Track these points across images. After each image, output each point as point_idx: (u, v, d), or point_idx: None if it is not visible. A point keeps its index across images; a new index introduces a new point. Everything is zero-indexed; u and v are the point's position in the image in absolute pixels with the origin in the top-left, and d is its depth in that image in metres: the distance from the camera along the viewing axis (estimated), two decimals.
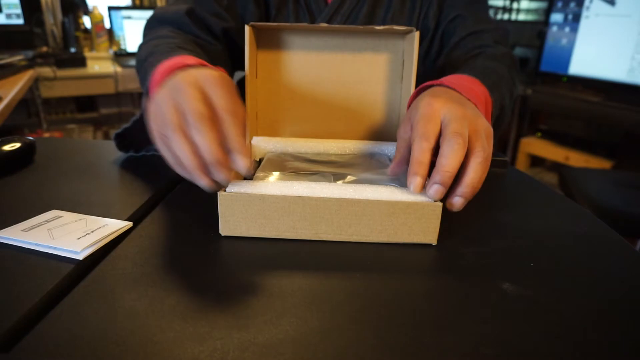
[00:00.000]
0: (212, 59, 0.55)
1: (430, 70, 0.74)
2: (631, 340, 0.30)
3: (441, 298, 0.34)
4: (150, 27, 0.70)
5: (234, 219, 0.40)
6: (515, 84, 0.66)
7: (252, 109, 0.56)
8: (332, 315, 0.31)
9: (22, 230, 0.40)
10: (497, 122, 0.59)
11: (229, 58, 0.73)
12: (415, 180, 0.39)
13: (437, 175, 0.38)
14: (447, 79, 0.50)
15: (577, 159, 2.22)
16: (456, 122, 0.40)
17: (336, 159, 0.53)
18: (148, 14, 0.74)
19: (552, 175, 2.42)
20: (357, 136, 0.59)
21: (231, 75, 0.73)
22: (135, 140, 0.60)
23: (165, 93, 0.39)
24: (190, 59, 0.47)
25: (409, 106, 0.49)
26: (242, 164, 0.36)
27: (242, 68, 0.56)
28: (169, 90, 0.39)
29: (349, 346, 0.29)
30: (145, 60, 0.57)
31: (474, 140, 0.40)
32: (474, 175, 0.39)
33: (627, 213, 1.28)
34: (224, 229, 0.41)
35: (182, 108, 0.36)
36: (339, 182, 0.44)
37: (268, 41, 0.57)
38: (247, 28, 0.51)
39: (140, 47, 0.64)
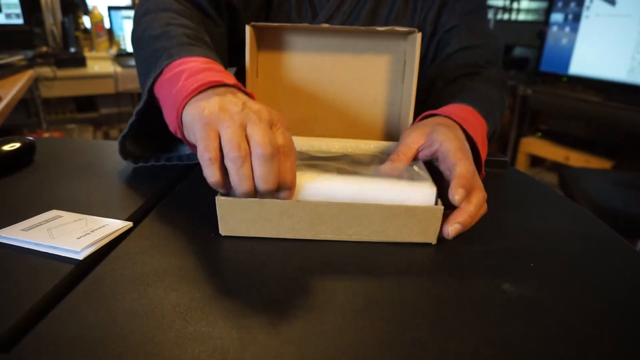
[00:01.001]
0: (215, 44, 0.54)
1: (421, 76, 0.74)
2: (631, 340, 0.30)
3: (441, 298, 0.34)
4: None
5: (234, 220, 0.40)
6: (505, 103, 0.68)
7: None
8: (332, 315, 0.31)
9: (21, 230, 0.40)
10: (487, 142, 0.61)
11: (228, 43, 0.69)
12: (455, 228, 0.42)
13: (460, 217, 0.41)
14: (454, 112, 0.52)
15: (577, 159, 2.22)
16: (475, 176, 0.44)
17: (338, 155, 0.53)
18: None
19: (552, 175, 2.42)
20: (357, 136, 0.59)
21: (226, 60, 0.70)
22: (139, 146, 0.57)
23: (222, 101, 0.40)
24: (226, 77, 0.46)
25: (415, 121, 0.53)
26: (284, 196, 0.40)
27: (240, 51, 0.54)
28: (226, 100, 0.40)
29: (349, 346, 0.29)
30: (156, 39, 0.52)
31: (476, 183, 0.44)
32: (475, 209, 0.42)
33: (627, 213, 1.28)
34: (224, 230, 0.41)
35: (251, 130, 0.38)
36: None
37: (269, 41, 0.57)
38: (248, 28, 0.51)
39: (145, 13, 0.57)
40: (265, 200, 0.39)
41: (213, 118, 0.39)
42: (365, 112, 0.59)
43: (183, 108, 0.43)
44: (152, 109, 0.51)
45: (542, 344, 0.29)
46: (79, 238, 0.39)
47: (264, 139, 0.37)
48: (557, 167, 2.24)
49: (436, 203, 0.41)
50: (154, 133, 0.57)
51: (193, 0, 0.62)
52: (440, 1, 0.72)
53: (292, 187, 0.39)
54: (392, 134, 0.59)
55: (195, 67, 0.46)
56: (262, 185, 0.37)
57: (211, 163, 0.38)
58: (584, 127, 2.32)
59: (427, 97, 0.69)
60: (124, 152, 0.55)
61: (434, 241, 0.41)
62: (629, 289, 0.36)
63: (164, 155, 0.59)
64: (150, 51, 0.52)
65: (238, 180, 0.38)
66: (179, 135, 0.46)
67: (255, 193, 0.39)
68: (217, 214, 0.40)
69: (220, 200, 0.39)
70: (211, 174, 0.38)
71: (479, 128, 0.53)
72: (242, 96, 0.42)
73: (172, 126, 0.46)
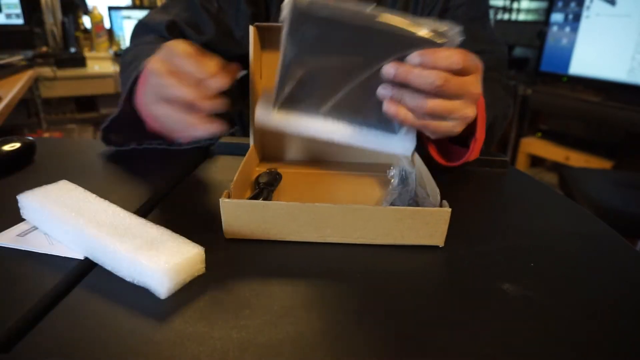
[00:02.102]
0: None
1: None
2: (631, 340, 0.30)
3: (441, 298, 0.34)
4: (136, 34, 0.72)
5: (238, 223, 0.40)
6: (510, 106, 0.68)
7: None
8: (332, 316, 0.31)
9: (17, 236, 0.39)
10: (488, 134, 0.60)
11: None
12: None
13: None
14: None
15: (577, 159, 2.22)
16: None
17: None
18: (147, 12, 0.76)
19: (552, 175, 2.42)
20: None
21: None
22: (121, 134, 0.60)
23: (151, 70, 0.44)
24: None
25: None
26: (217, 83, 0.42)
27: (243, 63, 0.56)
28: (152, 68, 0.44)
29: (348, 346, 0.28)
30: (130, 63, 0.59)
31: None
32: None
33: (627, 213, 1.28)
34: (227, 233, 0.41)
35: (171, 61, 0.43)
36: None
37: (272, 41, 0.56)
38: (251, 28, 0.51)
39: (127, 51, 0.67)
40: (270, 202, 0.39)
41: (155, 91, 0.44)
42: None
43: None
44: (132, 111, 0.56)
45: (542, 344, 0.29)
46: None
47: (176, 51, 0.43)
48: (557, 167, 2.24)
49: (441, 205, 0.40)
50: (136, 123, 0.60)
51: (168, 39, 0.68)
52: (441, 8, 0.71)
53: (213, 76, 0.42)
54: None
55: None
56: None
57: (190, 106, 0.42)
58: (584, 127, 2.32)
59: None
60: (107, 141, 0.60)
61: (441, 244, 0.41)
62: (629, 289, 0.36)
63: (145, 140, 0.61)
64: (126, 75, 0.58)
65: (178, 99, 0.42)
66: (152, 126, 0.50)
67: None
68: (221, 216, 0.40)
69: (224, 202, 0.39)
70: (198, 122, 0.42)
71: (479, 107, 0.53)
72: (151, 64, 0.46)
73: (148, 121, 0.51)
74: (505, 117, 0.66)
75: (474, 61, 0.44)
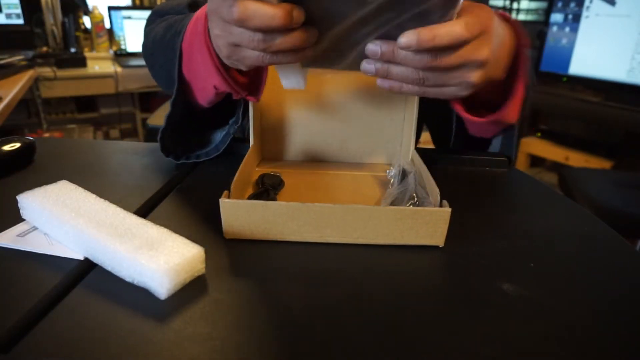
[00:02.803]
0: None
1: None
2: (631, 340, 0.30)
3: (441, 298, 0.34)
4: (152, 21, 0.68)
5: (238, 224, 0.40)
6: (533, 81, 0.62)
7: (256, 109, 0.56)
8: (332, 316, 0.31)
9: (17, 236, 0.39)
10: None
11: None
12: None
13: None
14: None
15: (577, 159, 2.22)
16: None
17: None
18: (148, 14, 0.74)
19: (552, 175, 2.42)
20: (361, 136, 0.59)
21: None
22: (174, 143, 0.57)
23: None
24: None
25: None
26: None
27: None
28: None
29: (348, 347, 0.28)
30: (164, 35, 0.56)
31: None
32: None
33: (627, 213, 1.28)
34: (228, 233, 0.41)
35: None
36: None
37: None
38: None
39: (149, 33, 0.63)
40: (270, 202, 0.39)
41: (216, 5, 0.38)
42: (369, 112, 0.59)
43: (207, 32, 0.44)
44: (185, 104, 0.54)
45: (542, 344, 0.29)
46: None
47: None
48: (557, 167, 2.24)
49: (441, 205, 0.40)
50: (188, 130, 0.58)
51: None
52: None
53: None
54: (395, 132, 0.59)
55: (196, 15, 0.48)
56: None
57: (282, 18, 0.35)
58: (583, 127, 2.32)
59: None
60: (165, 149, 0.56)
61: (441, 244, 0.41)
62: (629, 289, 0.36)
63: (194, 152, 0.58)
64: (164, 47, 0.55)
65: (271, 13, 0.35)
66: (219, 89, 0.48)
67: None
68: (221, 217, 0.40)
69: (224, 202, 0.39)
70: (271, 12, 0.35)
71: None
72: None
73: (213, 80, 0.47)
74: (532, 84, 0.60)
75: (480, 23, 0.38)
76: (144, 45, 0.65)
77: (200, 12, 0.48)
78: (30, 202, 0.40)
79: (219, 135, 0.59)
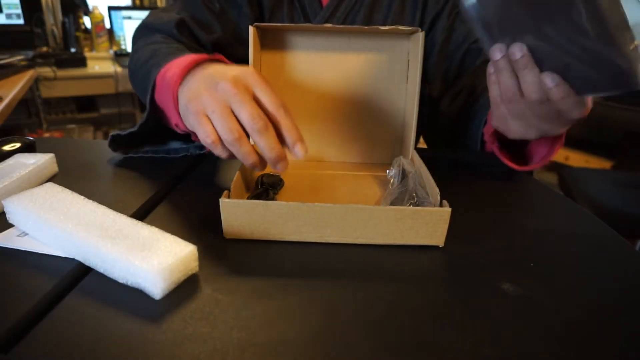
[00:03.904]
0: None
1: (453, 84, 0.73)
2: (631, 340, 0.30)
3: (441, 298, 0.34)
4: (140, 35, 0.71)
5: (238, 223, 0.40)
6: None
7: None
8: (331, 316, 0.31)
9: (17, 236, 0.39)
10: None
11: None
12: None
13: None
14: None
15: (577, 159, 2.22)
16: None
17: None
18: (148, 14, 0.74)
19: (552, 175, 2.41)
20: (361, 137, 0.59)
21: None
22: (133, 143, 0.60)
23: (202, 82, 0.42)
24: (205, 56, 0.49)
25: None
26: (301, 152, 0.41)
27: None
28: (206, 80, 0.42)
29: (348, 347, 0.28)
30: (146, 62, 0.57)
31: None
32: None
33: (627, 213, 1.28)
34: (228, 233, 0.41)
35: (237, 111, 0.39)
36: None
37: (272, 42, 0.56)
38: (251, 29, 0.51)
39: (136, 51, 0.65)
40: (270, 202, 0.39)
41: (199, 106, 0.41)
42: (369, 112, 0.59)
43: (177, 99, 0.46)
44: (152, 122, 0.55)
45: (542, 344, 0.29)
46: None
47: (251, 114, 0.39)
48: (557, 167, 2.24)
49: (441, 205, 0.40)
50: (148, 141, 0.61)
51: (177, 40, 0.68)
52: (451, 10, 0.70)
53: (300, 139, 0.41)
54: (395, 133, 0.59)
55: (180, 62, 0.49)
56: (268, 154, 0.40)
57: (215, 145, 0.40)
58: (583, 127, 2.31)
59: (473, 100, 0.68)
60: (115, 150, 0.59)
61: (441, 244, 0.41)
62: (628, 288, 0.36)
63: (152, 148, 0.61)
64: (143, 73, 0.57)
65: (243, 158, 0.41)
66: (181, 128, 0.49)
67: (266, 162, 0.41)
68: (221, 217, 0.40)
69: (224, 202, 0.39)
70: (221, 153, 0.41)
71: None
72: (218, 67, 0.44)
73: (174, 121, 0.50)
74: None
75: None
76: (130, 58, 0.68)
77: (177, 67, 0.48)
78: (16, 206, 0.39)
79: (177, 144, 0.60)
